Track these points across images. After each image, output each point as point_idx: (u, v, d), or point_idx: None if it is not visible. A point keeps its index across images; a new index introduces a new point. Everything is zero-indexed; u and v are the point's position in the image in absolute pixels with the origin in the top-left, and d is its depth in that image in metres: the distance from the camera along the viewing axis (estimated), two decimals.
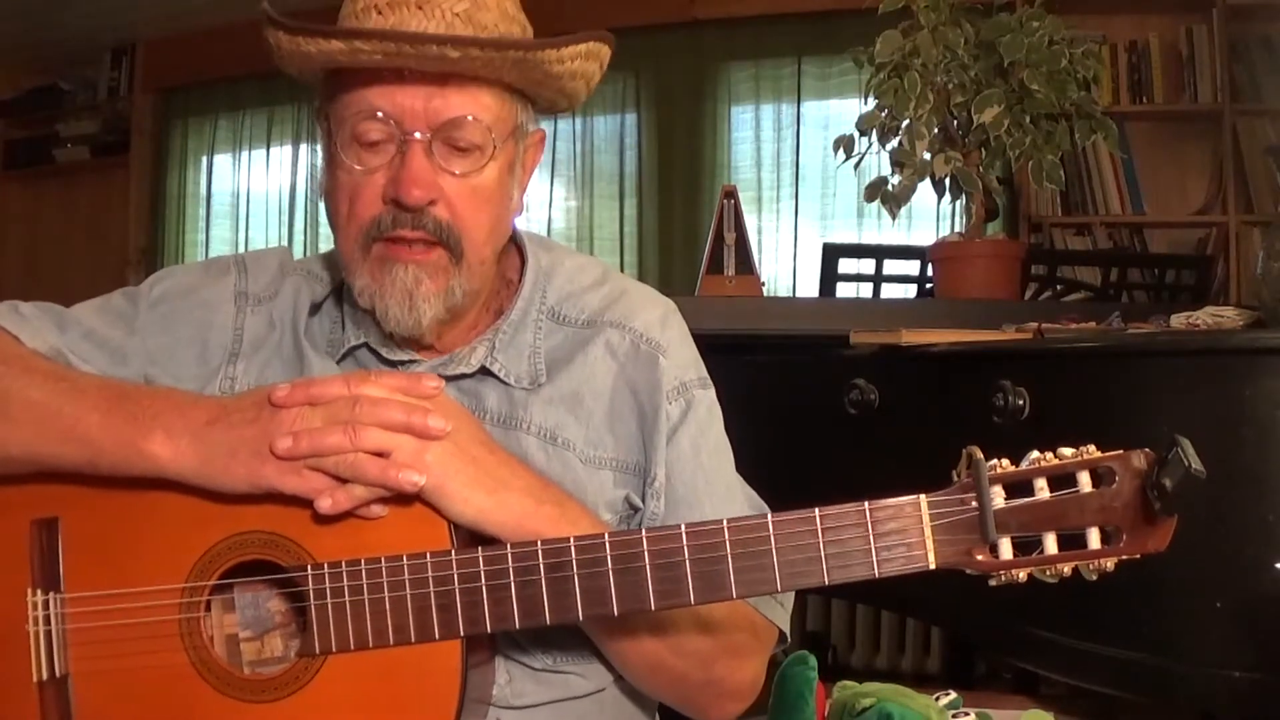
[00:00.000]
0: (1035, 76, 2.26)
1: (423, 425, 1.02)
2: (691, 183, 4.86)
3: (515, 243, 1.27)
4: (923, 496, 0.96)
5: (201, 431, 1.03)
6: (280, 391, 1.03)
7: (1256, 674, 1.42)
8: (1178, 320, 1.85)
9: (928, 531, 0.96)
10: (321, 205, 1.21)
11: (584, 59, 1.15)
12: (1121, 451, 0.95)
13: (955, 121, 2.38)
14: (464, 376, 1.19)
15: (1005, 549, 0.95)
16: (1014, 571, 0.95)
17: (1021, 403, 1.61)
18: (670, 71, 4.92)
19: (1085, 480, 0.95)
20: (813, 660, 1.62)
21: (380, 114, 1.09)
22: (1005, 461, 0.96)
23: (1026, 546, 0.96)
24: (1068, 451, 0.96)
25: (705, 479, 1.20)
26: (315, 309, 1.25)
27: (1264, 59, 4.02)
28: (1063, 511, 0.95)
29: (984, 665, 3.25)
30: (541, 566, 0.99)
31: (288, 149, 5.63)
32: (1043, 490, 0.95)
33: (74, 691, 1.06)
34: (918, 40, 2.30)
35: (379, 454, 1.01)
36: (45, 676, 1.06)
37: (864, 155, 2.50)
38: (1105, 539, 0.95)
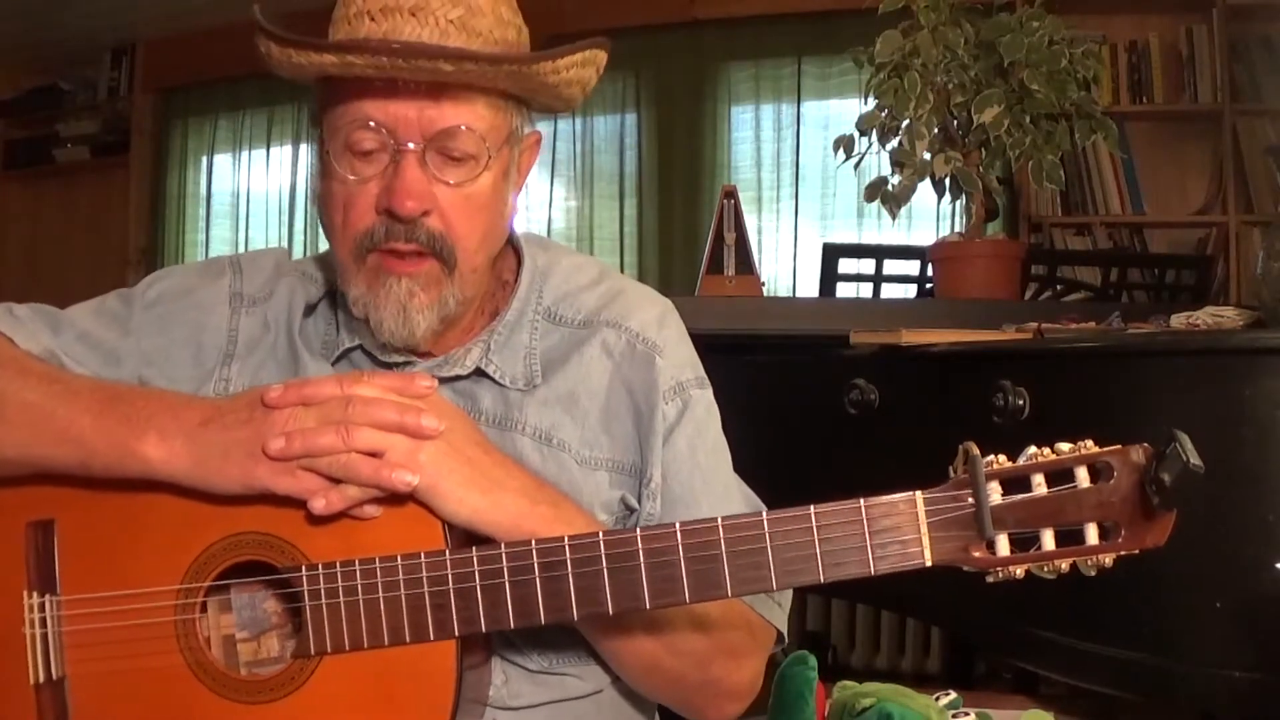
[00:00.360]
0: (1035, 76, 2.26)
1: (416, 425, 1.02)
2: (691, 183, 4.86)
3: (512, 243, 1.26)
4: (918, 493, 0.96)
5: (195, 433, 1.03)
6: (273, 392, 1.03)
7: (1256, 674, 1.42)
8: (1178, 320, 1.85)
9: (924, 528, 0.95)
10: (319, 218, 1.21)
11: (580, 66, 1.14)
12: (1119, 447, 0.95)
13: (955, 121, 2.38)
14: (459, 378, 1.19)
15: (1002, 545, 0.95)
16: (1011, 568, 0.95)
17: (1021, 403, 1.61)
18: (670, 71, 4.92)
19: (1083, 475, 0.95)
20: (813, 660, 1.62)
21: (373, 124, 1.09)
22: (1002, 457, 0.96)
23: (1024, 543, 0.96)
24: (1065, 447, 0.95)
25: (702, 479, 1.19)
26: (310, 310, 1.24)
27: (1264, 59, 4.01)
28: (1060, 507, 0.95)
29: (984, 665, 3.25)
30: (536, 566, 0.99)
31: (288, 149, 5.64)
32: (1040, 486, 0.95)
33: (71, 693, 1.06)
34: (918, 40, 2.30)
35: (372, 454, 1.00)
36: (42, 678, 1.06)
37: (864, 155, 2.50)
38: (1103, 534, 0.95)
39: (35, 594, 1.07)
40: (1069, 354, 1.71)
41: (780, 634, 1.21)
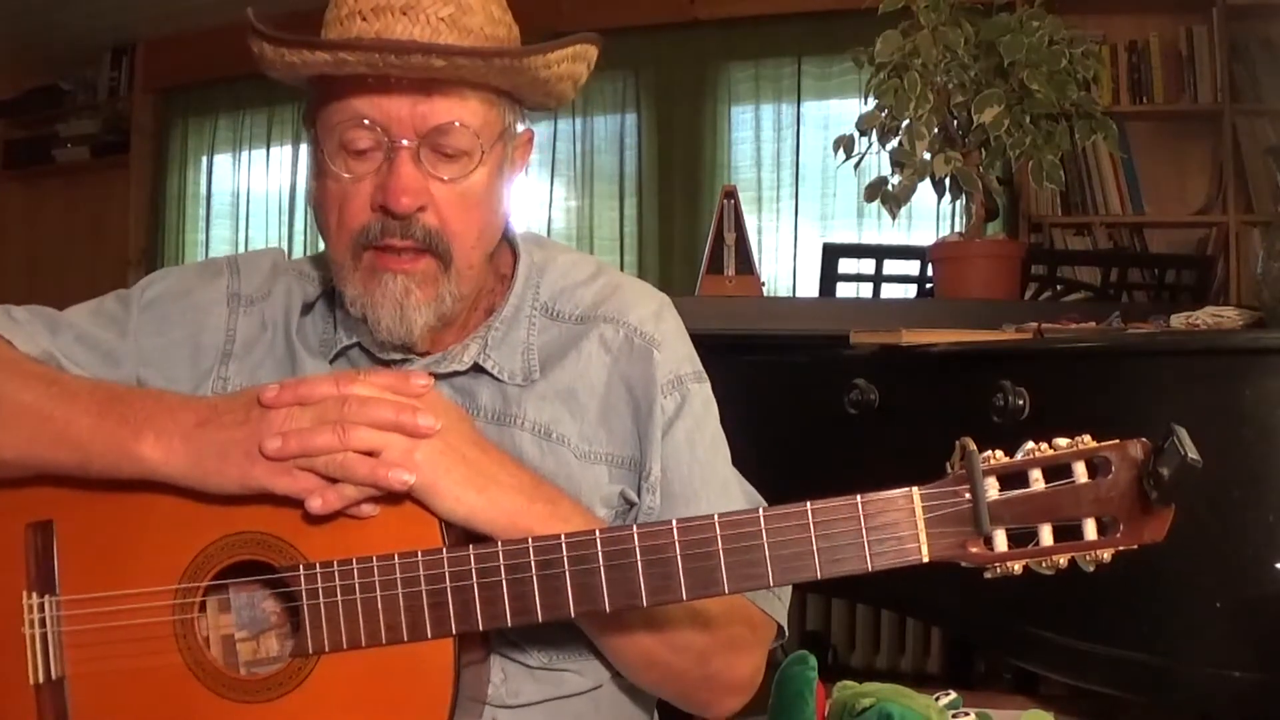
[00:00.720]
0: (1035, 76, 2.25)
1: (412, 424, 1.02)
2: (691, 183, 4.86)
3: (508, 239, 1.27)
4: (915, 489, 0.96)
5: (192, 433, 1.03)
6: (269, 392, 1.03)
7: (1256, 674, 1.42)
8: (1178, 320, 1.85)
9: (920, 524, 0.95)
10: (314, 218, 1.21)
11: (571, 61, 1.14)
12: (1117, 441, 0.95)
13: (955, 121, 2.38)
14: (457, 374, 1.19)
15: (1000, 541, 0.95)
16: (1009, 564, 0.95)
17: (1021, 403, 1.61)
18: (670, 71, 4.92)
19: (1081, 470, 0.95)
20: (812, 660, 1.62)
21: (367, 122, 1.09)
22: (999, 453, 0.96)
23: (1022, 538, 0.95)
24: (1063, 442, 0.95)
25: (701, 473, 1.19)
26: (307, 309, 1.25)
27: (1264, 59, 4.01)
28: (1058, 502, 0.95)
29: (984, 665, 3.25)
30: (533, 564, 0.99)
31: (288, 149, 5.64)
32: (1038, 481, 0.95)
33: (71, 693, 1.06)
34: (918, 40, 2.30)
35: (369, 453, 1.00)
36: (42, 679, 1.06)
37: (864, 155, 2.50)
38: (1102, 530, 0.95)
39: (34, 594, 1.07)
40: (1069, 354, 1.71)
41: (781, 628, 1.21)
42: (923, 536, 0.95)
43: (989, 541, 0.95)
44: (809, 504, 0.96)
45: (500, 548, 1.00)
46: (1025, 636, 1.66)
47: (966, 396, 1.72)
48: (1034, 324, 1.90)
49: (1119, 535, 0.95)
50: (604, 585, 0.98)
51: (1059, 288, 2.99)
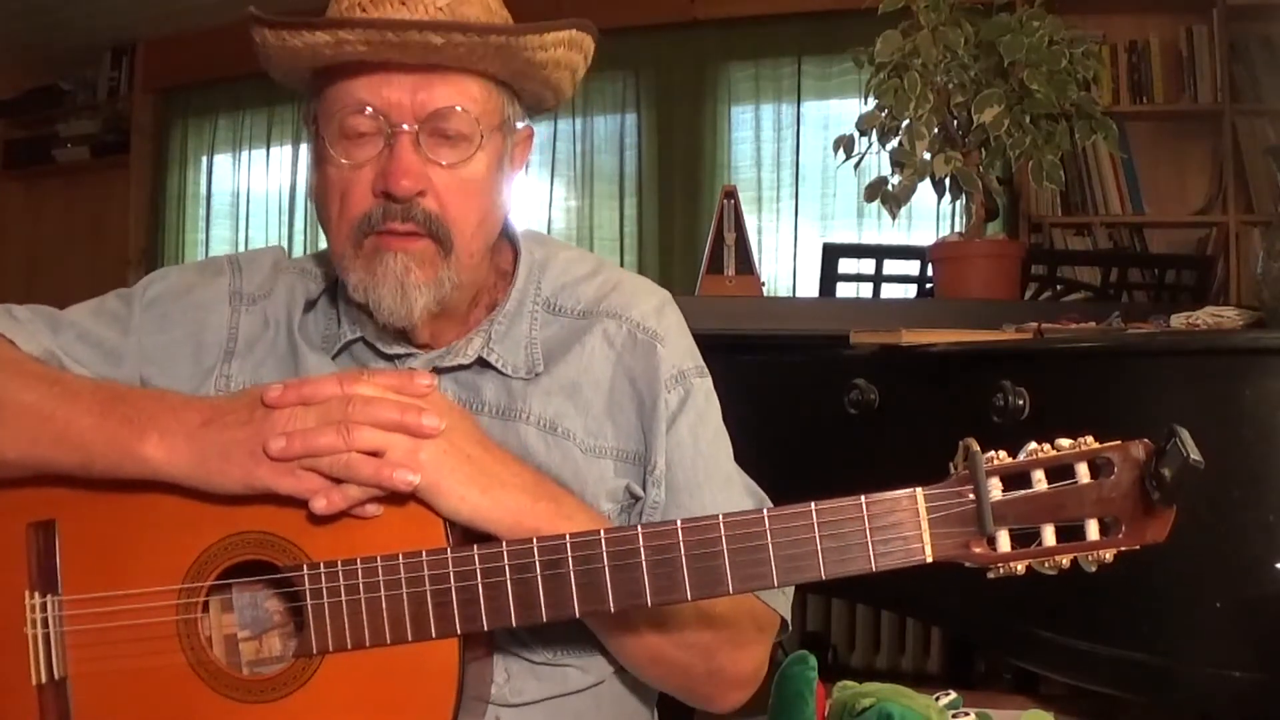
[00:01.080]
0: (1035, 76, 2.26)
1: (416, 424, 1.02)
2: (691, 183, 4.86)
3: (509, 237, 1.27)
4: (919, 490, 0.96)
5: (195, 433, 1.03)
6: (273, 392, 1.03)
7: (1256, 674, 1.42)
8: (1178, 320, 1.85)
9: (924, 525, 0.95)
10: (315, 210, 1.21)
11: (567, 48, 1.15)
12: (1119, 442, 0.95)
13: (955, 121, 2.38)
14: (461, 368, 1.19)
15: (1003, 541, 0.95)
16: (1012, 564, 0.95)
17: (1021, 403, 1.61)
18: (670, 71, 4.92)
19: (1083, 471, 0.95)
20: (813, 660, 1.62)
21: (367, 108, 1.10)
22: (1003, 453, 0.96)
23: (1025, 538, 0.96)
24: (1065, 443, 0.96)
25: (705, 466, 1.20)
26: (310, 306, 1.25)
27: (1264, 59, 4.02)
28: (1061, 503, 0.95)
29: (984, 665, 3.25)
30: (538, 564, 0.99)
31: (288, 149, 5.64)
32: (1040, 482, 0.95)
33: (73, 694, 1.06)
34: (918, 40, 2.30)
35: (373, 453, 1.01)
36: (44, 679, 1.06)
37: (864, 155, 2.50)
38: (1104, 530, 0.95)
39: (37, 594, 1.07)
40: (1069, 354, 1.71)
41: (784, 621, 1.21)
42: (927, 537, 0.96)
43: (992, 542, 0.95)
44: (814, 504, 0.97)
45: (505, 547, 1.00)
46: (1025, 636, 1.66)
47: (966, 396, 1.72)
48: (1034, 324, 1.90)
49: (1121, 536, 0.95)
50: (609, 585, 0.98)
51: (1059, 288, 2.99)
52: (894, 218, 2.45)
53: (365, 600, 1.01)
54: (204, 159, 5.83)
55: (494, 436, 1.11)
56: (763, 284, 2.76)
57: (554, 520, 1.04)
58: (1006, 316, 2.01)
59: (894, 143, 2.40)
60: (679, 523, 0.99)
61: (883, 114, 2.38)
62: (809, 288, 4.38)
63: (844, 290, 3.00)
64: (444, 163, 1.12)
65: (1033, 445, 0.96)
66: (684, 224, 4.86)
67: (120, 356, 1.20)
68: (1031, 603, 1.60)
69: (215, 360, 1.21)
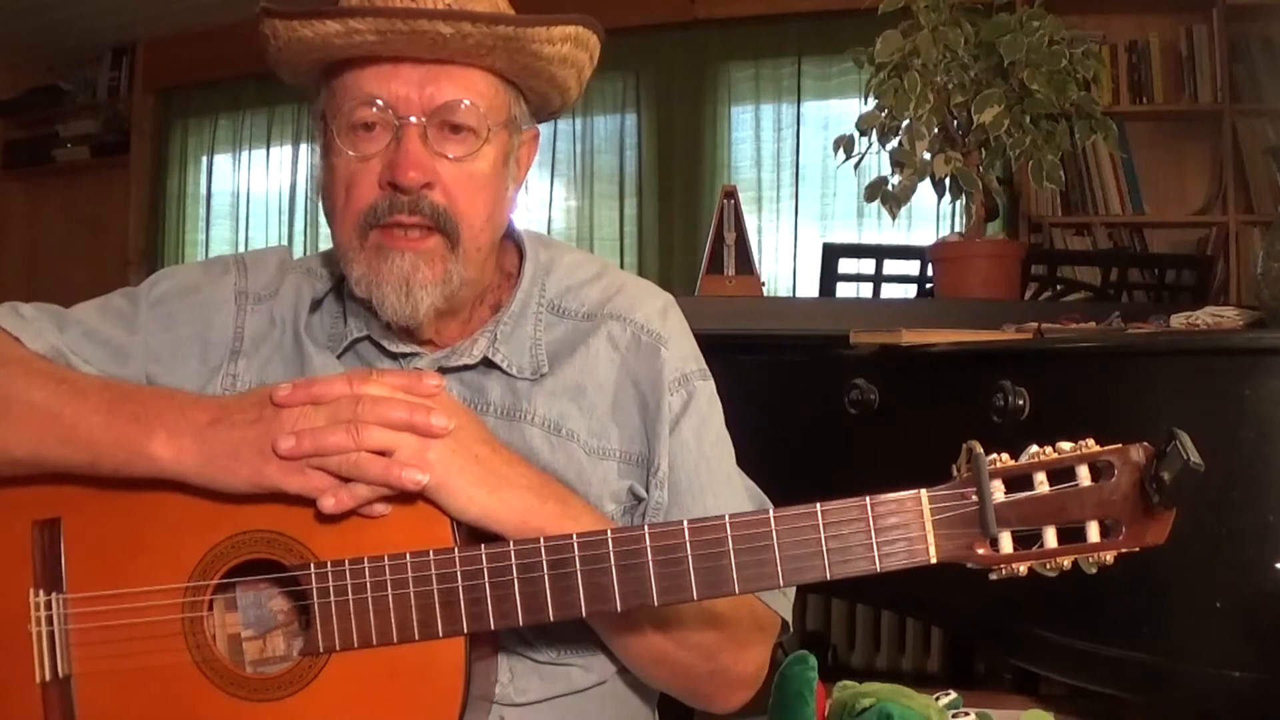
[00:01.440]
0: (1035, 76, 2.26)
1: (425, 423, 1.02)
2: (691, 183, 4.86)
3: (513, 239, 1.28)
4: (923, 491, 0.97)
5: (203, 431, 1.04)
6: (282, 391, 1.03)
7: (1256, 674, 1.42)
8: (1178, 320, 1.85)
9: (929, 526, 0.96)
10: (321, 205, 1.22)
11: (573, 44, 1.16)
12: (1120, 445, 0.96)
13: (955, 121, 2.38)
14: (467, 368, 1.20)
15: (1005, 543, 0.96)
16: (1015, 565, 0.96)
17: (1021, 403, 1.61)
18: (670, 71, 4.92)
19: (1084, 474, 0.96)
20: (813, 660, 1.62)
21: (376, 101, 1.11)
22: (1005, 456, 0.97)
23: (1027, 540, 0.96)
24: (1067, 445, 0.96)
25: (707, 468, 1.21)
26: (316, 305, 1.25)
27: (1264, 59, 4.02)
28: (1062, 505, 0.96)
29: (984, 665, 3.25)
30: (544, 563, 1.00)
31: (288, 149, 5.64)
32: (1042, 484, 0.96)
33: (77, 692, 1.07)
34: (918, 40, 2.30)
35: (381, 453, 1.01)
36: (49, 677, 1.07)
37: (864, 155, 2.50)
38: (1105, 532, 0.96)
39: (41, 592, 1.07)
40: (1069, 354, 1.71)
41: (785, 623, 1.22)
42: (931, 538, 0.96)
43: (995, 543, 0.96)
44: (818, 505, 0.97)
45: (512, 547, 1.00)
46: (1025, 636, 1.66)
47: (966, 396, 1.73)
48: (1034, 324, 1.90)
49: (1121, 538, 0.95)
50: (615, 585, 0.99)
51: (1059, 288, 2.99)
52: (894, 218, 2.45)
53: (372, 599, 1.01)
54: (204, 159, 5.82)
55: (499, 437, 1.11)
56: (763, 284, 2.76)
57: (560, 521, 1.04)
58: (1006, 316, 2.01)
59: (894, 143, 2.40)
60: (685, 523, 0.99)
61: (883, 114, 2.39)
62: (809, 288, 4.38)
63: (844, 290, 3.00)
64: (451, 156, 1.13)
65: (1034, 448, 0.97)
66: (684, 224, 4.86)
67: (126, 355, 1.21)
68: (1032, 602, 1.60)
69: (221, 359, 1.21)
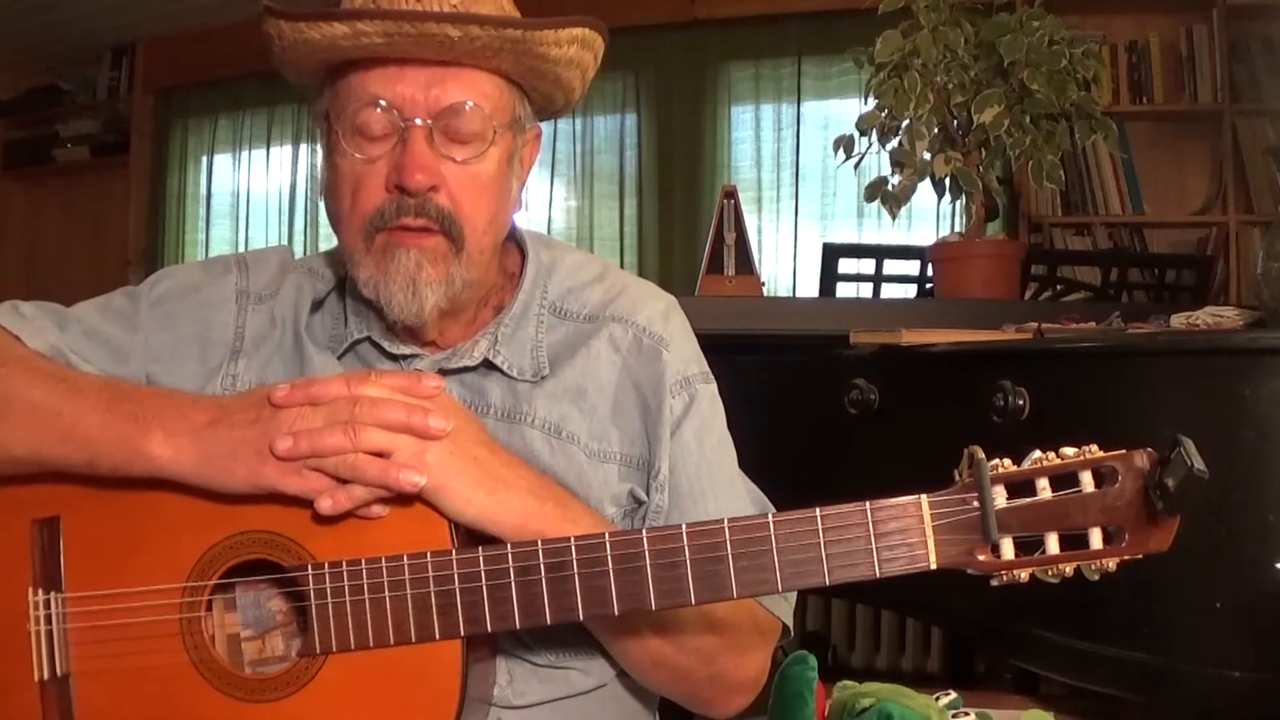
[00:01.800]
0: (1035, 76, 2.26)
1: (423, 425, 1.02)
2: (691, 183, 4.86)
3: (515, 239, 1.28)
4: (924, 496, 0.96)
5: (202, 432, 1.03)
6: (280, 392, 1.03)
7: (1256, 674, 1.42)
8: (1178, 320, 1.85)
9: (929, 531, 0.95)
10: (322, 205, 1.22)
11: (579, 46, 1.16)
12: (1124, 451, 0.95)
13: (955, 121, 2.38)
14: (467, 370, 1.19)
15: (1007, 549, 0.95)
16: (1016, 571, 0.95)
17: (1021, 403, 1.61)
18: (670, 71, 4.92)
19: (1087, 480, 0.95)
20: (813, 660, 1.62)
21: (381, 103, 1.11)
22: (1007, 461, 0.96)
23: (1028, 546, 0.96)
24: (1070, 451, 0.95)
25: (709, 472, 1.20)
26: (317, 306, 1.25)
27: (1264, 59, 4.02)
28: (1065, 511, 0.95)
29: (984, 665, 3.25)
30: (542, 566, 0.99)
31: (288, 149, 5.64)
32: (1045, 490, 0.95)
33: (75, 691, 1.07)
34: (918, 40, 2.30)
35: (379, 454, 1.01)
36: (47, 676, 1.06)
37: (864, 155, 2.50)
38: (1107, 539, 0.95)
39: (40, 591, 1.07)
40: (1069, 354, 1.71)
41: (786, 627, 1.22)
42: (931, 544, 0.95)
43: (996, 549, 0.95)
44: (818, 510, 0.97)
45: (510, 550, 1.00)
46: (1025, 636, 1.66)
47: (966, 396, 1.72)
48: (1034, 324, 1.90)
49: (1124, 545, 0.95)
50: (613, 588, 0.98)
51: (1059, 288, 2.99)
52: (894, 218, 2.45)
53: (369, 601, 1.01)
54: (204, 159, 5.82)
55: (499, 439, 1.11)
56: (763, 284, 2.76)
57: (559, 523, 1.04)
58: (1006, 316, 2.01)
59: (894, 143, 2.40)
60: (684, 527, 0.99)
61: (883, 114, 2.38)
62: (809, 288, 4.38)
63: (844, 290, 3.00)
64: (457, 159, 1.12)
65: (1037, 453, 0.96)
66: (684, 224, 4.86)
67: (126, 354, 1.20)
68: (1032, 603, 1.60)
69: (221, 359, 1.21)
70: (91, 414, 1.06)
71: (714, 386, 1.26)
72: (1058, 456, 0.96)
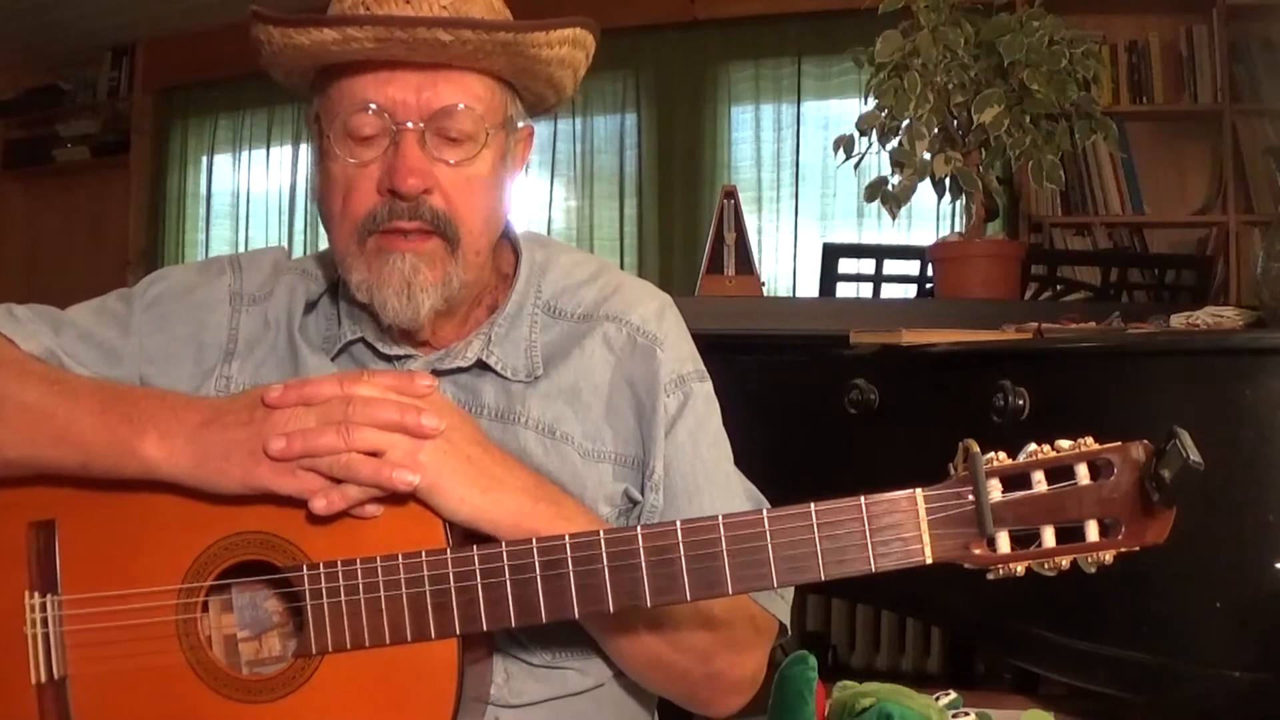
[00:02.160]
0: (1035, 76, 2.25)
1: (416, 424, 1.02)
2: (691, 183, 4.86)
3: (509, 239, 1.27)
4: (919, 491, 0.96)
5: (195, 433, 1.03)
6: (273, 392, 1.03)
7: (1256, 674, 1.42)
8: (1178, 320, 1.85)
9: (924, 526, 0.95)
10: (318, 209, 1.21)
11: (571, 46, 1.16)
12: (1119, 444, 0.95)
13: (955, 121, 2.38)
14: (460, 370, 1.19)
15: (1003, 542, 0.95)
16: (1012, 565, 0.95)
17: (1021, 403, 1.61)
18: (670, 71, 4.93)
19: (1083, 472, 0.95)
20: (813, 660, 1.62)
21: (372, 106, 1.10)
22: (1002, 455, 0.96)
23: (1025, 540, 0.96)
24: (1065, 444, 0.95)
25: (704, 471, 1.20)
26: (310, 307, 1.25)
27: (1264, 59, 4.01)
28: (1061, 504, 0.95)
29: (984, 665, 3.25)
30: (537, 564, 0.99)
31: (288, 149, 5.64)
32: (1040, 483, 0.95)
33: (72, 693, 1.06)
34: (918, 40, 2.30)
35: (373, 454, 1.01)
36: (44, 678, 1.06)
37: (864, 155, 2.50)
38: (1104, 531, 0.95)
39: (36, 594, 1.07)
40: (1069, 354, 1.71)
41: (783, 626, 1.21)
42: (926, 538, 0.95)
43: (992, 543, 0.95)
44: (813, 505, 0.96)
45: (504, 548, 1.00)
46: (1025, 636, 1.66)
47: (966, 396, 1.72)
48: (1034, 324, 1.90)
49: (1121, 537, 0.95)
50: (608, 586, 0.98)
51: (1059, 288, 2.99)
52: (894, 218, 2.45)
53: (365, 600, 1.01)
54: (204, 159, 5.83)
55: (493, 439, 1.11)
56: (763, 284, 2.75)
57: (553, 522, 1.04)
58: (1006, 316, 2.01)
59: (894, 143, 2.40)
60: (678, 524, 0.98)
61: (883, 114, 2.38)
62: (809, 288, 4.38)
63: (844, 290, 3.00)
64: (450, 161, 1.12)
65: (1032, 446, 0.96)
66: (684, 224, 4.86)
67: (120, 356, 1.20)
68: (1031, 603, 1.60)
69: (215, 361, 1.21)
70: (86, 416, 1.06)
71: (709, 385, 1.25)
72: (1053, 449, 0.96)
